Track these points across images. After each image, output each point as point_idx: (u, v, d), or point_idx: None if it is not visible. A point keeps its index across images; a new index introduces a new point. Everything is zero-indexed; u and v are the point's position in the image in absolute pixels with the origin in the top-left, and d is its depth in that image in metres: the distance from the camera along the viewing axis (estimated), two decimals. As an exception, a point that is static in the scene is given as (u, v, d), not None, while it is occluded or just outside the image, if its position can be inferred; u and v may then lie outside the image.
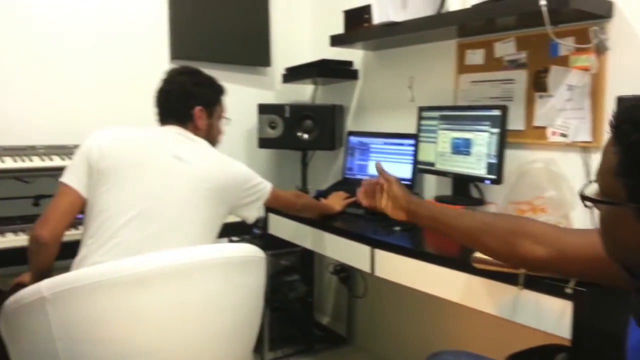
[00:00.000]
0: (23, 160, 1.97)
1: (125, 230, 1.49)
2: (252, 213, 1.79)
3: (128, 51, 2.55)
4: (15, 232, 1.91)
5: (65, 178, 1.56)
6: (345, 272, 2.77)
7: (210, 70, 2.77)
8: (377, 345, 2.72)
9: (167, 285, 1.29)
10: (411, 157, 2.26)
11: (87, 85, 2.45)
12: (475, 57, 2.09)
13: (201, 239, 1.59)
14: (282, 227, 2.36)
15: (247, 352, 1.55)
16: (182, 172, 1.58)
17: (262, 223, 2.55)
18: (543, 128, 1.87)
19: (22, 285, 1.39)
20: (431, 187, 2.32)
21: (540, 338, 1.33)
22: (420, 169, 2.17)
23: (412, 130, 2.26)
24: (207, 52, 2.71)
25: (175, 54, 2.65)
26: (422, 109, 2.16)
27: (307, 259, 2.73)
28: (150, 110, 2.64)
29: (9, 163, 1.93)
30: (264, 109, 2.70)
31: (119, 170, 1.54)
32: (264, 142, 2.72)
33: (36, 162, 1.98)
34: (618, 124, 0.74)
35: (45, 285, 1.24)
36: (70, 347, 1.24)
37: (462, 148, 1.96)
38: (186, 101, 1.75)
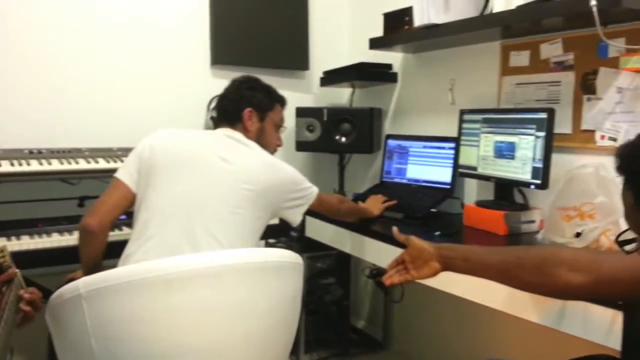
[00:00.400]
0: (69, 163, 2.02)
1: (167, 228, 1.52)
2: (298, 217, 1.79)
3: (170, 58, 2.60)
4: (60, 232, 1.96)
5: (119, 173, 1.65)
6: (382, 276, 2.73)
7: (248, 75, 2.84)
8: (414, 351, 2.68)
9: (199, 287, 1.28)
10: (451, 161, 2.23)
11: (131, 91, 2.51)
12: (520, 58, 2.04)
13: (242, 240, 1.59)
14: (319, 230, 2.35)
15: (282, 358, 1.53)
16: (226, 173, 1.60)
17: (299, 226, 2.56)
18: (591, 132, 1.81)
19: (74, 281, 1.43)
20: (472, 191, 2.27)
21: (588, 349, 1.28)
22: (462, 172, 2.13)
23: (452, 133, 2.22)
24: (246, 57, 2.74)
25: (216, 59, 2.68)
26: (463, 112, 2.12)
27: (343, 262, 2.71)
28: (191, 115, 2.72)
29: (55, 165, 1.99)
30: (301, 112, 2.71)
31: (165, 169, 1.59)
32: (301, 145, 2.72)
33: (82, 165, 2.04)
34: (623, 168, 0.83)
35: (82, 282, 1.27)
36: (105, 344, 1.26)
37: (505, 152, 1.91)
38: (237, 103, 1.80)
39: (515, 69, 2.06)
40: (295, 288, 1.50)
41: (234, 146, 1.69)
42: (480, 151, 2.02)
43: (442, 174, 2.26)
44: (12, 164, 1.92)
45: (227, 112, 1.81)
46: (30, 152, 2.05)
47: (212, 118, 2.66)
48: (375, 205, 2.14)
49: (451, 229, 1.91)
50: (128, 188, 1.62)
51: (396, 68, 2.68)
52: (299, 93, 2.97)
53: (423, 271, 1.34)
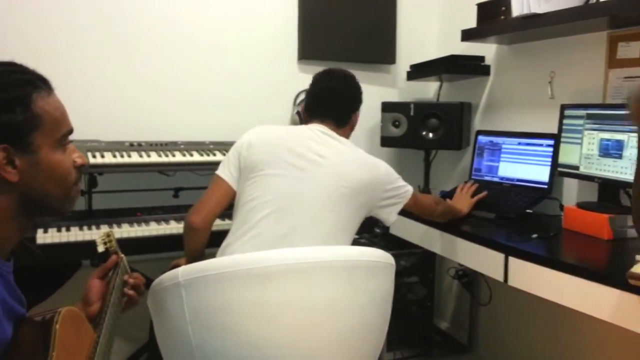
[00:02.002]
0: (166, 155, 2.11)
1: (265, 222, 1.55)
2: (392, 216, 1.76)
3: (258, 53, 2.64)
4: (157, 221, 2.05)
5: (220, 171, 1.70)
6: (468, 277, 2.65)
7: (335, 69, 2.84)
8: (501, 357, 2.57)
9: (290, 282, 1.29)
10: (549, 159, 2.10)
11: (221, 87, 2.58)
12: (630, 50, 1.88)
13: (337, 237, 1.59)
14: (404, 227, 2.31)
15: (371, 357, 1.50)
16: (322, 171, 1.60)
17: (383, 223, 2.52)
18: None
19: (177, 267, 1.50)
20: (572, 192, 2.13)
21: None
22: (561, 172, 2.00)
23: (550, 129, 2.10)
24: (333, 51, 2.73)
25: (303, 54, 2.70)
26: (565, 107, 1.99)
27: (427, 261, 2.65)
28: (278, 110, 2.75)
29: (153, 157, 2.08)
30: (387, 107, 2.67)
31: (263, 165, 1.62)
32: (386, 141, 2.68)
33: (177, 157, 2.12)
34: None
35: (181, 271, 1.32)
36: (201, 332, 1.30)
37: (612, 150, 1.77)
38: (351, 105, 1.82)
39: (624, 61, 1.90)
40: (386, 288, 1.47)
41: (330, 144, 1.68)
42: (584, 149, 1.88)
43: (538, 172, 2.14)
44: (114, 156, 2.04)
45: (339, 111, 1.78)
46: (131, 144, 2.16)
47: (298, 113, 2.68)
48: (463, 202, 2.06)
49: (549, 232, 1.80)
50: (229, 186, 1.67)
51: (489, 60, 2.57)
52: (385, 87, 2.93)
53: None
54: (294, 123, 2.69)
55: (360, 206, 1.64)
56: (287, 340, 1.29)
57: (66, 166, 0.89)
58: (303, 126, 1.79)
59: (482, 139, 2.41)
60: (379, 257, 1.43)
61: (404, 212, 2.30)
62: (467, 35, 2.37)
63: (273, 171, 1.61)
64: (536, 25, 1.98)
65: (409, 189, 1.78)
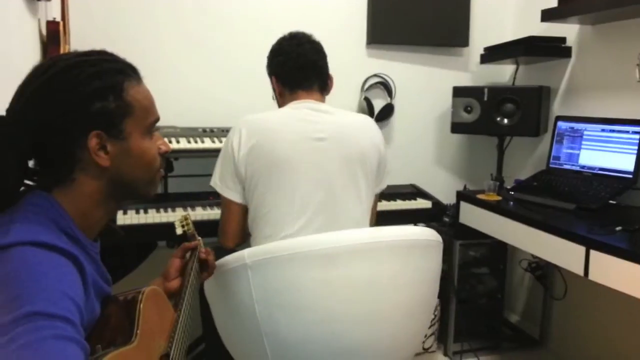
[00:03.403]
0: (220, 141, 2.14)
1: (301, 232, 1.52)
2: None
3: (326, 38, 2.59)
4: (204, 206, 2.08)
5: (225, 192, 1.61)
6: (541, 270, 2.54)
7: (402, 54, 2.78)
8: (574, 353, 2.46)
9: (354, 261, 1.34)
10: (635, 147, 1.96)
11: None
12: None
13: (363, 222, 1.62)
14: (475, 216, 2.24)
15: (421, 333, 1.55)
16: (328, 155, 1.56)
17: (452, 211, 2.46)
18: None
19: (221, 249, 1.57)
20: (661, 182, 1.99)
21: None
22: (650, 161, 1.86)
23: (637, 115, 1.96)
24: (402, 35, 2.67)
25: (372, 39, 2.65)
26: (656, 91, 1.85)
27: (498, 252, 2.56)
28: (345, 95, 2.73)
29: (207, 143, 2.12)
30: (459, 91, 2.58)
31: (269, 171, 1.52)
32: (457, 127, 2.60)
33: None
34: None
35: (247, 253, 1.37)
36: (268, 311, 1.35)
37: None
38: (327, 67, 1.72)
39: None
40: (438, 265, 1.54)
41: (324, 121, 1.59)
42: (677, 137, 1.74)
43: (623, 161, 2.00)
44: (188, 141, 2.10)
45: (319, 77, 1.67)
46: (204, 130, 2.22)
47: (365, 99, 2.66)
48: None
49: (634, 224, 1.68)
50: (240, 205, 1.61)
51: (570, 42, 2.42)
52: (456, 71, 2.85)
53: None
54: (361, 109, 2.66)
55: (373, 184, 1.66)
56: (351, 315, 1.36)
57: (153, 153, 0.92)
58: (291, 109, 1.63)
59: (562, 125, 2.28)
60: (432, 236, 1.49)
61: (473, 200, 2.25)
62: (548, 15, 2.24)
63: (283, 174, 1.52)
64: (622, 3, 1.85)
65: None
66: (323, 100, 1.71)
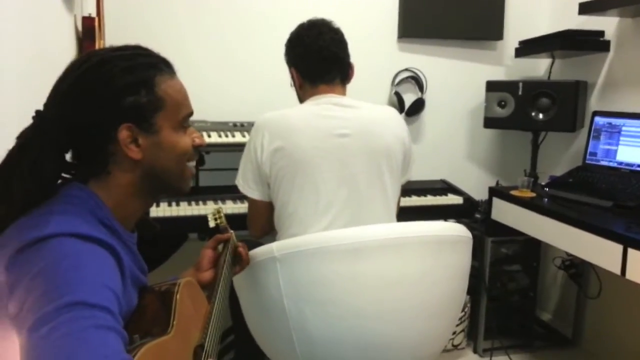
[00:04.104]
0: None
1: (327, 230, 1.51)
2: None
3: (356, 31, 2.56)
4: (234, 200, 2.10)
5: (248, 192, 1.62)
6: (576, 268, 2.48)
7: (434, 48, 2.74)
8: (607, 354, 2.40)
9: (383, 256, 1.34)
10: (678, 144, 1.89)
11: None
12: None
13: (389, 219, 1.60)
14: (507, 213, 2.21)
15: (449, 330, 1.54)
16: (352, 151, 1.53)
17: (484, 207, 2.43)
18: None
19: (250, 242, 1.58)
20: None
21: None
22: (693, 158, 1.80)
23: (681, 111, 1.89)
24: (435, 28, 2.64)
25: (404, 32, 2.62)
26: (701, 86, 1.78)
27: (531, 249, 2.51)
28: (376, 90, 2.71)
29: (238, 137, 2.13)
30: (493, 86, 2.53)
31: (293, 170, 1.51)
32: (490, 122, 2.55)
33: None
34: None
35: (276, 246, 1.38)
36: (296, 304, 1.36)
37: None
38: (348, 57, 1.67)
39: None
40: (467, 261, 1.52)
41: (346, 116, 1.55)
42: None
43: (664, 158, 1.94)
44: (219, 136, 2.12)
45: (341, 69, 1.63)
46: (234, 124, 2.24)
47: (396, 93, 2.63)
48: None
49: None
50: (265, 202, 1.61)
51: (609, 35, 2.35)
52: (489, 65, 2.79)
53: None
54: (391, 104, 2.64)
55: (398, 178, 1.65)
56: (378, 312, 1.35)
57: (184, 146, 0.92)
58: (312, 104, 1.59)
59: (600, 120, 2.22)
60: (462, 232, 1.47)
61: (506, 197, 2.21)
62: (586, 7, 2.18)
63: (309, 173, 1.50)
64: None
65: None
66: (344, 92, 1.67)
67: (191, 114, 0.94)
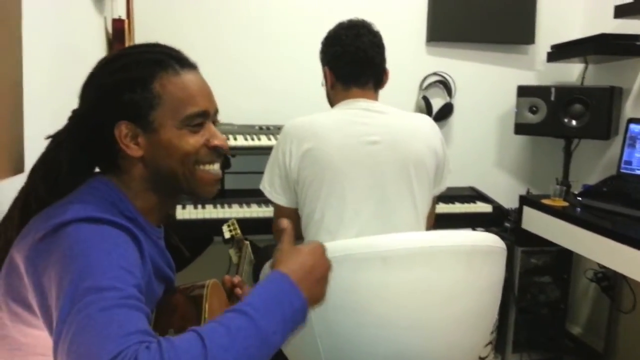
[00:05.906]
0: (276, 139, 2.13)
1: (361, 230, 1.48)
2: None
3: (384, 35, 2.58)
4: (259, 204, 2.08)
5: (274, 198, 1.58)
6: (608, 281, 2.40)
7: (463, 51, 2.70)
8: (644, 372, 2.31)
9: (414, 265, 1.30)
10: None
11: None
12: None
13: (418, 229, 1.54)
14: (538, 222, 2.15)
15: (479, 344, 1.49)
16: (381, 159, 1.48)
17: (514, 216, 2.37)
18: None
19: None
20: None
21: None
22: None
23: None
24: (464, 32, 2.60)
25: (432, 36, 2.59)
26: None
27: (563, 260, 2.44)
28: (403, 94, 2.67)
29: (264, 141, 2.13)
30: (524, 91, 2.47)
31: (321, 178, 1.47)
32: (521, 128, 2.49)
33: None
34: None
35: None
36: (324, 312, 1.30)
37: None
38: (383, 63, 1.61)
39: None
40: (501, 272, 1.45)
41: (377, 123, 1.51)
42: None
43: None
44: (245, 139, 2.11)
45: (376, 73, 1.58)
46: (260, 128, 2.23)
47: (424, 98, 2.59)
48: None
49: None
50: (291, 209, 1.57)
51: (646, 40, 2.28)
52: (521, 70, 2.74)
53: None
54: (419, 108, 2.60)
55: (429, 188, 1.59)
56: (407, 321, 1.31)
57: (189, 147, 0.86)
58: (343, 109, 1.56)
59: (635, 127, 2.15)
60: (495, 242, 1.41)
61: (537, 205, 2.15)
62: (622, 11, 2.11)
63: (337, 180, 1.47)
64: None
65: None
66: (377, 98, 1.63)
67: (200, 112, 0.87)
